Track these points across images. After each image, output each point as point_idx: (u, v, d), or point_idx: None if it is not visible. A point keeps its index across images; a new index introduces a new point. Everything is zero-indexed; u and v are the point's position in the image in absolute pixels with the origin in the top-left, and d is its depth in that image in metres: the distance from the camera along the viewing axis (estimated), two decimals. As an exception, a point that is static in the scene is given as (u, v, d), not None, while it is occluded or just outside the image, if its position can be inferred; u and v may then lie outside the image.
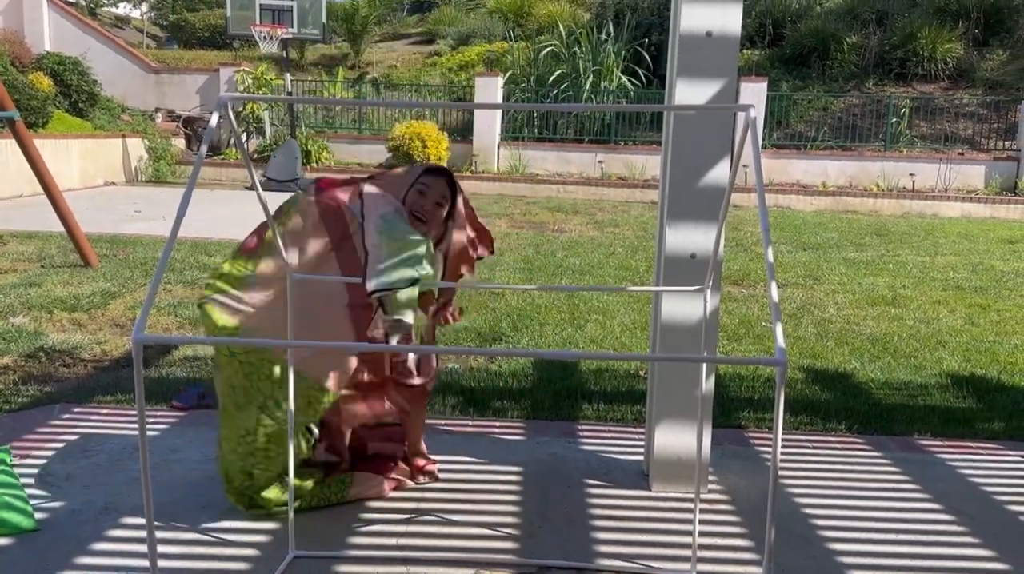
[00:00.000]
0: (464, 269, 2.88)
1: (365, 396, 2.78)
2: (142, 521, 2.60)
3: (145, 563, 2.37)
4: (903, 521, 2.80)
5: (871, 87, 16.36)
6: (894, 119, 15.17)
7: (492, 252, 2.92)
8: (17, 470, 2.93)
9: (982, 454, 3.42)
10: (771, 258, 1.48)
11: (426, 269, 2.46)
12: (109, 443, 3.22)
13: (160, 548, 2.45)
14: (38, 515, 2.62)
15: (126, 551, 2.44)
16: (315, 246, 2.58)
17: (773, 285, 1.47)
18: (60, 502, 2.73)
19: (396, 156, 15.16)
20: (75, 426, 3.39)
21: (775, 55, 17.44)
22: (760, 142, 1.69)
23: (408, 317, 2.44)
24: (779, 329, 1.42)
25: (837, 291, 6.79)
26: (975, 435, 3.65)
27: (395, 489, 2.89)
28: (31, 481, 2.86)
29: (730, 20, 2.76)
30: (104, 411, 3.57)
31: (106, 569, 2.35)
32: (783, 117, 15.82)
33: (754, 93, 14.50)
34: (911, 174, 14.44)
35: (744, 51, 17.24)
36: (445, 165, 15.21)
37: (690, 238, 2.86)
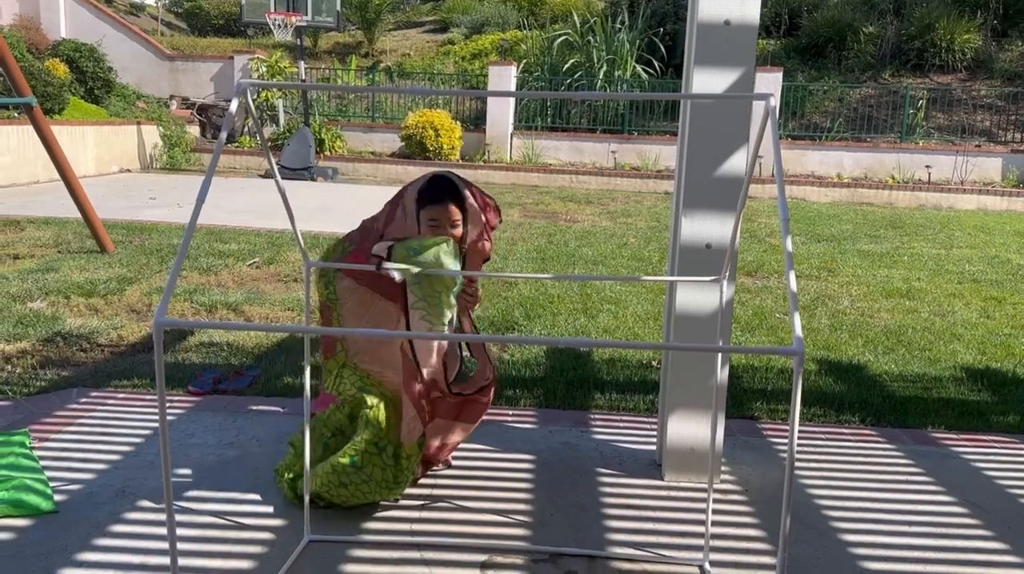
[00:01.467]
0: (486, 245, 2.89)
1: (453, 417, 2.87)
2: (158, 504, 2.63)
3: (160, 545, 2.40)
4: (916, 513, 2.80)
5: (887, 78, 16.23)
6: (910, 110, 15.04)
7: (500, 219, 2.93)
8: (36, 453, 2.96)
9: (996, 447, 3.40)
10: (790, 247, 1.48)
11: (453, 265, 2.52)
12: (126, 427, 3.26)
13: (176, 531, 2.48)
14: (56, 497, 2.65)
15: (143, 533, 2.47)
16: (384, 312, 2.73)
17: (792, 274, 1.46)
18: (78, 485, 2.76)
19: (409, 145, 15.16)
20: (92, 410, 3.43)
21: (791, 45, 17.31)
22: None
23: (397, 275, 2.50)
24: (796, 318, 1.42)
25: (851, 283, 6.76)
26: (990, 428, 3.63)
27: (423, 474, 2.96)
28: (49, 463, 2.90)
29: (748, 8, 2.75)
30: (121, 395, 3.61)
31: (123, 550, 2.38)
32: (798, 108, 15.72)
33: (769, 83, 14.40)
34: (927, 166, 14.33)
35: (759, 41, 17.05)
36: (458, 154, 15.22)
37: (706, 228, 2.85)
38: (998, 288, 6.72)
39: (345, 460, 2.57)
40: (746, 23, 2.76)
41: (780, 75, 14.81)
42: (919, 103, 15.14)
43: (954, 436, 3.52)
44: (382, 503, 2.71)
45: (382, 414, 2.63)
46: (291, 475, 2.72)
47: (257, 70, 16.67)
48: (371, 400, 2.67)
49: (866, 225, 10.54)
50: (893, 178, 14.35)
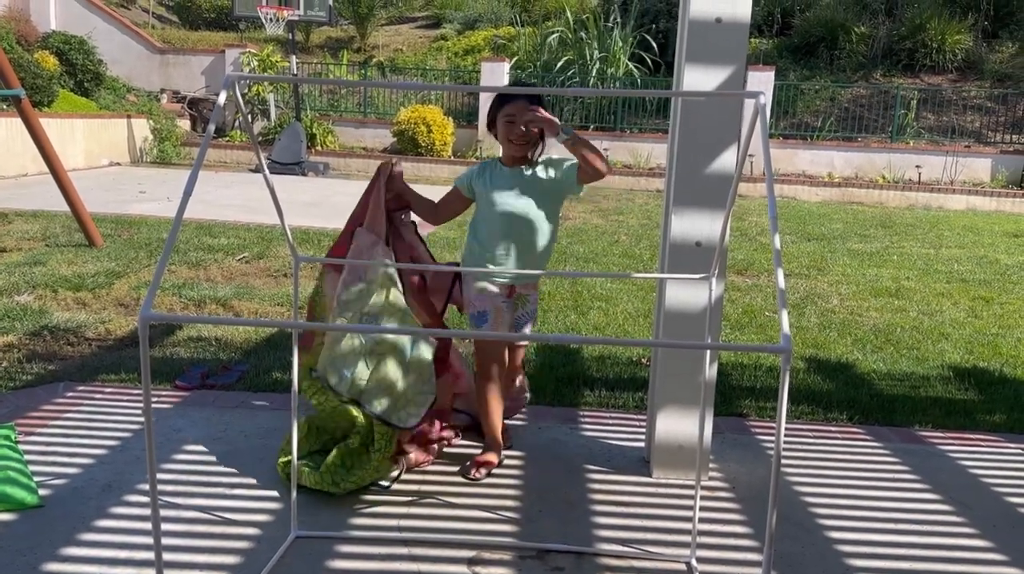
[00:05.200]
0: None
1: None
2: (144, 499, 2.62)
3: (146, 540, 2.39)
4: (902, 511, 2.81)
5: (879, 78, 16.27)
6: (901, 111, 15.10)
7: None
8: (21, 446, 2.94)
9: (982, 446, 3.42)
10: (778, 244, 1.48)
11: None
12: (112, 422, 3.24)
13: (162, 526, 2.47)
14: (42, 491, 2.64)
15: (129, 528, 2.46)
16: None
17: (780, 272, 1.47)
18: (64, 479, 2.74)
19: (401, 140, 15.12)
20: (79, 404, 3.41)
21: (783, 44, 17.34)
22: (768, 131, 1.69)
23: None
24: (785, 316, 1.42)
25: (841, 282, 6.78)
26: (976, 427, 3.65)
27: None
28: (35, 458, 2.88)
29: (740, 7, 2.75)
30: (108, 390, 3.59)
31: (109, 545, 2.36)
32: (790, 107, 15.75)
33: (761, 82, 14.42)
34: (917, 166, 14.38)
35: (752, 40, 17.13)
36: (450, 150, 15.20)
37: (696, 226, 2.85)
38: (986, 288, 6.75)
39: (337, 461, 2.68)
40: (737, 21, 2.76)
41: (772, 74, 14.83)
42: (910, 103, 15.19)
43: (940, 434, 3.53)
44: (370, 498, 2.71)
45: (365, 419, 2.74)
46: (284, 459, 2.77)
47: (248, 64, 16.59)
48: (355, 410, 2.74)
49: (856, 224, 10.58)
50: (883, 178, 14.40)
